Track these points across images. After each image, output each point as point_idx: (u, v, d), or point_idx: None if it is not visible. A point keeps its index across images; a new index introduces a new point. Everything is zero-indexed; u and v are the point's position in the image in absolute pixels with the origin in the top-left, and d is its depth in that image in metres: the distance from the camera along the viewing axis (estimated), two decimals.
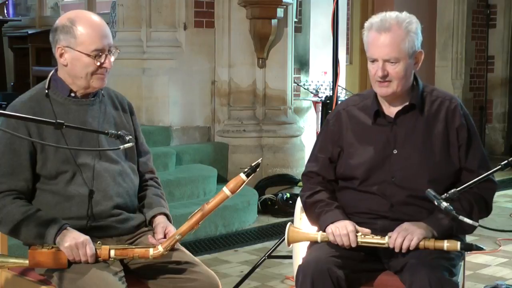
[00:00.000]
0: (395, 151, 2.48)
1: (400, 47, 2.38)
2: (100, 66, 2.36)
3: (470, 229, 2.39)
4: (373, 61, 2.42)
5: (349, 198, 2.55)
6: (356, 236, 2.40)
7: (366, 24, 2.46)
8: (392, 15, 2.42)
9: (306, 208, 2.61)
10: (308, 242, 2.58)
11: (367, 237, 2.41)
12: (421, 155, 2.46)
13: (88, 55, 2.34)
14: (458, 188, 2.21)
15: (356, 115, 2.57)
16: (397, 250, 2.36)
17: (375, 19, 2.44)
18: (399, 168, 2.47)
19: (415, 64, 2.46)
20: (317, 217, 2.53)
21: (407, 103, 2.49)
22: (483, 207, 2.50)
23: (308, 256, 2.44)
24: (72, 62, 2.36)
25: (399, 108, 2.50)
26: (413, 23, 2.43)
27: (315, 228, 2.62)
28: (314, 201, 2.55)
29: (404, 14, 2.44)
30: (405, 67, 2.40)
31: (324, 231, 2.47)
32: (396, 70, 2.40)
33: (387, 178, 2.48)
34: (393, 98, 2.49)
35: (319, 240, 2.48)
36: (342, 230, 2.40)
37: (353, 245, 2.39)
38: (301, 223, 2.94)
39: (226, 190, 2.25)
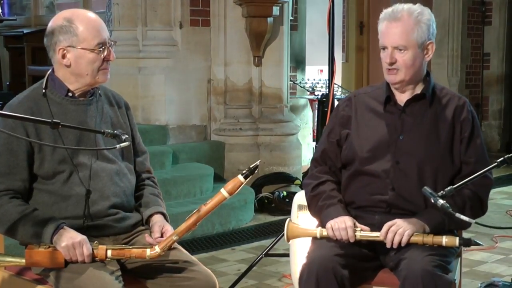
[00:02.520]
0: (401, 137, 2.53)
1: (409, 36, 2.46)
2: (104, 60, 2.36)
3: (465, 225, 2.41)
4: (384, 48, 2.51)
5: (352, 185, 2.58)
6: (355, 231, 2.41)
7: (381, 15, 2.54)
8: (404, 6, 2.51)
9: (309, 199, 2.63)
10: (308, 241, 2.59)
11: (366, 232, 2.43)
12: (426, 144, 2.51)
13: (93, 50, 2.34)
14: (455, 186, 2.23)
15: (367, 102, 2.63)
16: (388, 245, 2.39)
17: (388, 9, 2.53)
18: (404, 154, 2.51)
19: (426, 55, 2.52)
20: (319, 210, 2.55)
21: (418, 92, 2.55)
22: (477, 205, 2.52)
23: (313, 254, 2.44)
24: (77, 61, 2.35)
25: (409, 97, 2.56)
26: (425, 14, 2.51)
27: (315, 222, 2.63)
28: (318, 193, 2.58)
29: (417, 6, 2.53)
30: (413, 56, 2.47)
31: (324, 226, 2.48)
32: (404, 58, 2.47)
33: (391, 162, 2.51)
34: (403, 86, 2.54)
35: (318, 236, 2.49)
36: (341, 225, 2.42)
37: (351, 240, 2.41)
38: (298, 221, 2.94)
39: (223, 191, 2.24)
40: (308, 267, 2.38)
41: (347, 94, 6.38)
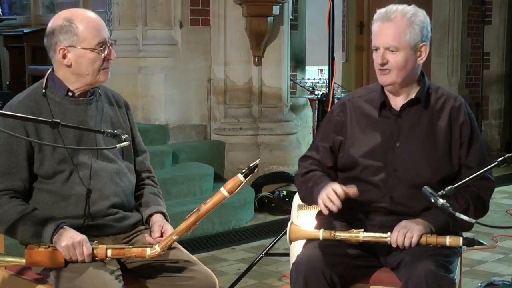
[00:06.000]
0: (398, 144, 2.50)
1: (401, 37, 2.42)
2: (105, 59, 2.36)
3: (467, 225, 2.40)
4: (376, 49, 2.48)
5: None
6: (338, 195, 2.35)
7: (375, 16, 2.51)
8: (399, 6, 2.47)
9: (299, 185, 2.59)
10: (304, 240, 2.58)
11: (369, 233, 2.40)
12: (423, 149, 2.49)
13: (93, 50, 2.34)
14: (455, 185, 2.22)
15: (361, 106, 2.59)
16: (401, 247, 2.37)
17: (382, 10, 2.49)
18: (401, 161, 2.49)
19: (419, 57, 2.48)
20: (311, 190, 2.49)
21: (412, 97, 2.52)
22: (480, 207, 2.51)
23: (301, 255, 2.43)
24: (77, 61, 2.35)
25: (404, 101, 2.53)
26: (419, 16, 2.46)
27: (315, 222, 2.62)
28: (308, 178, 2.54)
29: (412, 7, 2.48)
30: (405, 57, 2.44)
31: (317, 203, 2.42)
32: (396, 59, 2.44)
33: (389, 170, 2.49)
34: (396, 89, 2.52)
35: (320, 237, 2.46)
36: (328, 192, 2.35)
37: (336, 203, 2.33)
38: (298, 221, 2.94)
39: (223, 190, 2.24)
40: (296, 267, 2.37)
41: (346, 94, 6.39)
